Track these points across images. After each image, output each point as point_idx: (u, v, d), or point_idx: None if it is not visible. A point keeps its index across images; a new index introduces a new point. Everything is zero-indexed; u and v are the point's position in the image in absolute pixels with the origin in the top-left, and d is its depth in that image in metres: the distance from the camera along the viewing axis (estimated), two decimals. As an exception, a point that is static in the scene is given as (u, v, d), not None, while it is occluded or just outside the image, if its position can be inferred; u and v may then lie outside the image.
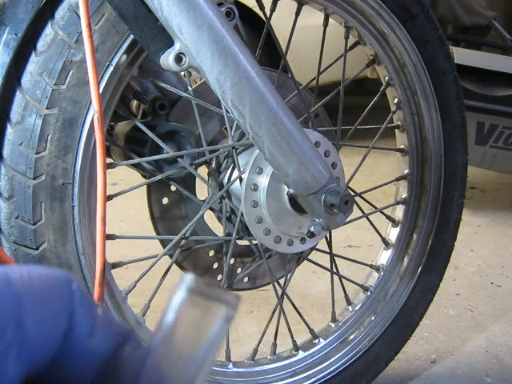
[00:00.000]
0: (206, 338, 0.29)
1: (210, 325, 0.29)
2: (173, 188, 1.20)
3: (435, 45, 1.28)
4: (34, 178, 0.95)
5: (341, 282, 1.34)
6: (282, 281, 1.28)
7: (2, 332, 0.26)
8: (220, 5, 0.93)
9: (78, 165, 0.97)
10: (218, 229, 1.27)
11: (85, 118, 0.96)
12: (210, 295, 0.29)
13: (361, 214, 1.35)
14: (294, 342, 1.31)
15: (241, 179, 1.11)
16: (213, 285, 0.30)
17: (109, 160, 1.12)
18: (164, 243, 1.20)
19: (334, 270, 1.33)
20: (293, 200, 1.09)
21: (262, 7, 1.17)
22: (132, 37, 0.97)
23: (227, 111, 1.09)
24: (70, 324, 0.28)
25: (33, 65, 0.95)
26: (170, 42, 0.91)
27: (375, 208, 1.39)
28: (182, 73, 1.18)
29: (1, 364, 0.26)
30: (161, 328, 0.29)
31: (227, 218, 1.18)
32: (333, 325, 1.36)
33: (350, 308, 1.38)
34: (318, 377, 1.29)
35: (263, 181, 1.09)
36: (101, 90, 0.96)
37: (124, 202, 1.92)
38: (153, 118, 1.14)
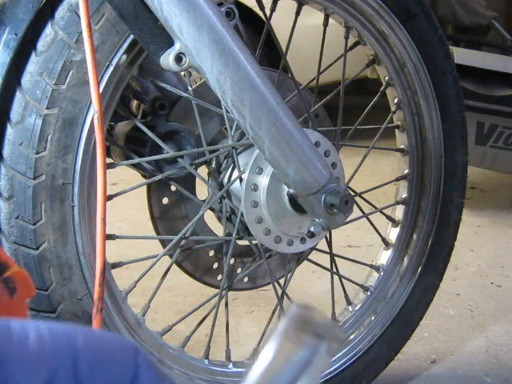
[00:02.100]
0: (305, 371, 0.28)
1: (309, 358, 0.28)
2: (173, 188, 1.20)
3: (435, 45, 1.28)
4: (34, 178, 0.95)
5: (341, 281, 1.34)
6: (282, 281, 1.28)
7: (54, 380, 0.25)
8: (220, 5, 0.93)
9: (78, 165, 0.97)
10: (217, 229, 1.27)
11: (85, 118, 0.96)
12: (313, 327, 0.28)
13: (361, 214, 1.35)
14: (294, 341, 1.31)
15: (241, 179, 1.11)
16: (318, 315, 0.28)
17: (109, 160, 1.12)
18: (164, 243, 1.20)
19: (334, 270, 1.33)
20: (293, 200, 1.09)
21: (261, 7, 1.17)
22: (132, 37, 0.97)
23: (227, 111, 1.09)
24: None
25: (33, 65, 0.95)
26: (170, 42, 0.91)
27: (375, 208, 1.39)
28: (182, 73, 1.18)
29: None
30: (258, 361, 0.28)
31: (227, 218, 1.18)
32: (333, 325, 1.36)
33: (350, 308, 1.38)
34: (318, 377, 1.29)
35: (263, 181, 1.09)
36: (101, 90, 0.96)
37: (124, 202, 1.93)
38: (153, 118, 1.14)
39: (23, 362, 0.25)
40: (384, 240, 1.40)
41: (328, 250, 1.31)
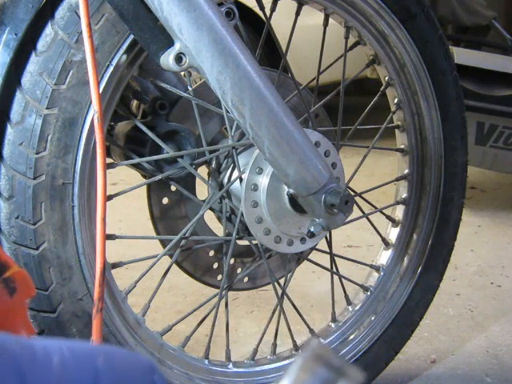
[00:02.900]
0: None
1: None
2: (173, 188, 1.20)
3: (435, 45, 1.28)
4: (34, 178, 0.95)
5: (341, 282, 1.34)
6: (282, 281, 1.28)
7: None
8: (220, 5, 0.93)
9: (78, 165, 0.97)
10: (218, 229, 1.27)
11: (85, 118, 0.96)
12: (330, 362, 0.28)
13: (361, 214, 1.35)
14: (294, 342, 1.31)
15: (241, 179, 1.11)
16: (338, 357, 0.28)
17: (109, 160, 1.12)
18: (164, 243, 1.20)
19: (334, 270, 1.33)
20: (293, 200, 1.09)
21: (262, 7, 1.16)
22: (132, 37, 0.97)
23: (227, 111, 1.09)
24: None
25: (33, 65, 0.95)
26: (170, 42, 0.91)
27: (375, 208, 1.39)
28: (182, 73, 1.18)
29: None
30: None
31: (227, 218, 1.18)
32: (333, 325, 1.36)
33: (350, 308, 1.38)
34: (318, 377, 1.29)
35: (263, 181, 1.09)
36: (101, 90, 0.96)
37: (124, 202, 1.93)
38: (153, 118, 1.14)
39: None
40: (384, 240, 1.40)
41: (328, 250, 1.31)
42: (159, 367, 0.27)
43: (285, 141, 0.97)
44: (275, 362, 1.29)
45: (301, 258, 1.30)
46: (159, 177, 1.12)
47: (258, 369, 1.26)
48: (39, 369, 0.26)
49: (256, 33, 2.99)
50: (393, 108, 1.35)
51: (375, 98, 1.35)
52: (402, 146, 1.38)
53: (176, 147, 1.14)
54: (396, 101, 1.33)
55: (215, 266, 1.27)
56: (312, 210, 1.06)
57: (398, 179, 1.40)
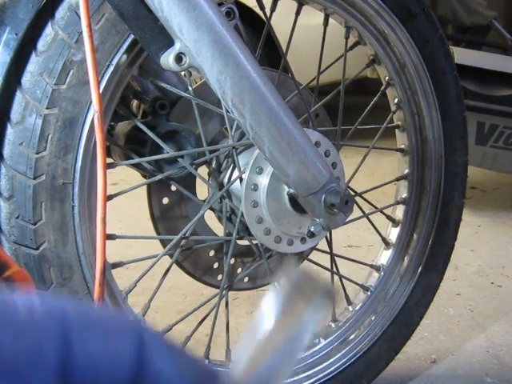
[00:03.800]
0: (295, 328, 0.28)
1: (298, 317, 0.28)
2: (173, 188, 1.20)
3: (435, 45, 1.28)
4: (35, 178, 0.95)
5: (341, 281, 1.34)
6: (282, 281, 1.28)
7: (41, 347, 0.25)
8: (220, 5, 0.93)
9: (78, 165, 0.97)
10: (218, 229, 1.27)
11: (85, 118, 0.96)
12: (306, 287, 0.28)
13: (361, 214, 1.35)
14: (294, 341, 1.31)
15: (241, 179, 1.11)
16: (311, 276, 0.28)
17: (109, 160, 1.12)
18: (164, 243, 1.20)
19: (335, 269, 1.33)
20: (293, 200, 1.09)
21: (262, 7, 1.16)
22: (132, 37, 0.97)
23: (227, 111, 1.09)
24: (141, 360, 0.27)
25: (33, 65, 0.95)
26: (170, 42, 0.91)
27: (375, 208, 1.39)
28: (183, 73, 1.18)
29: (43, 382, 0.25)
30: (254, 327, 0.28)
31: (227, 218, 1.18)
32: (333, 325, 1.36)
33: (350, 308, 1.38)
34: (318, 376, 1.29)
35: (263, 181, 1.09)
36: (101, 90, 0.96)
37: (124, 202, 1.93)
38: (153, 118, 1.14)
39: (11, 330, 0.25)
40: (384, 240, 1.40)
41: (328, 250, 1.31)
42: (146, 323, 0.26)
43: (285, 141, 0.97)
44: (275, 361, 1.28)
45: (301, 257, 1.30)
46: (159, 177, 1.12)
47: (258, 369, 1.26)
48: (2, 315, 0.25)
49: (256, 33, 2.99)
50: (393, 108, 1.35)
51: (375, 98, 1.35)
52: (402, 146, 1.38)
53: (176, 147, 1.14)
54: (396, 101, 1.33)
55: (215, 265, 1.27)
56: (312, 209, 1.06)
57: (398, 179, 1.40)
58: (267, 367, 0.27)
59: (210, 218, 1.26)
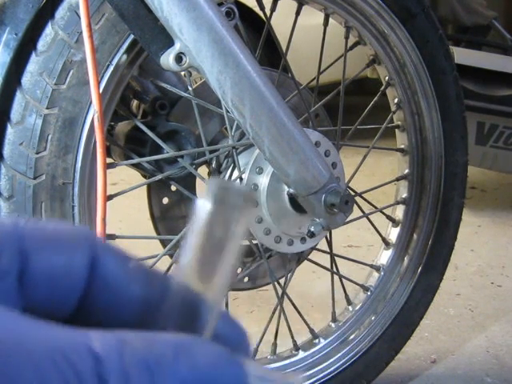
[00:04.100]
0: (227, 244, 0.29)
1: (229, 230, 0.29)
2: (173, 188, 1.20)
3: (435, 45, 1.28)
4: (35, 178, 0.95)
5: (341, 281, 1.34)
6: (282, 281, 1.28)
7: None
8: (220, 5, 0.93)
9: (78, 165, 0.97)
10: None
11: (85, 118, 0.96)
12: (227, 198, 0.29)
13: (361, 214, 1.35)
14: (294, 341, 1.31)
15: (241, 179, 1.11)
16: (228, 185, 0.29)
17: (109, 160, 1.12)
18: (164, 243, 1.20)
19: (335, 269, 1.33)
20: (293, 200, 1.09)
21: (262, 7, 1.16)
22: (132, 37, 0.97)
23: (227, 111, 1.09)
24: (93, 268, 0.27)
25: (33, 65, 0.95)
26: (170, 42, 0.91)
27: (375, 208, 1.39)
28: (183, 73, 1.18)
29: (1, 291, 0.25)
30: (185, 249, 0.29)
31: (227, 218, 1.18)
32: (333, 325, 1.36)
33: (350, 308, 1.38)
34: (318, 377, 1.29)
35: (263, 181, 1.09)
36: (101, 90, 0.96)
37: (124, 202, 1.92)
38: (153, 118, 1.14)
39: None
40: (384, 240, 1.40)
41: (328, 250, 1.31)
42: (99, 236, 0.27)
43: (285, 141, 0.97)
44: (275, 361, 1.29)
45: (301, 257, 1.30)
46: (159, 177, 1.12)
47: (258, 369, 1.26)
48: None
49: (256, 33, 2.99)
50: (393, 108, 1.35)
51: (375, 98, 1.35)
52: (402, 146, 1.38)
53: (176, 147, 1.14)
54: (396, 101, 1.33)
55: (215, 265, 1.27)
56: (312, 209, 1.06)
57: (398, 179, 1.40)
58: (217, 275, 0.29)
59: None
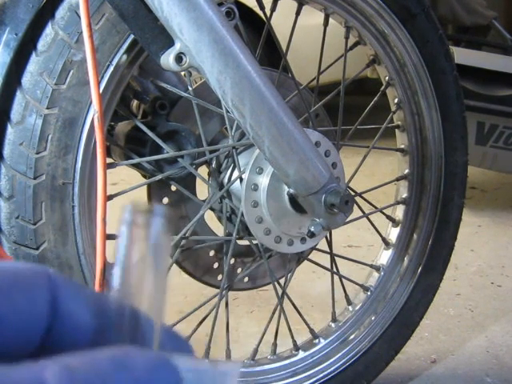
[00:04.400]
0: (150, 261, 0.30)
1: (149, 248, 0.30)
2: (173, 188, 1.20)
3: (435, 45, 1.28)
4: (35, 178, 0.95)
5: (341, 281, 1.34)
6: (282, 281, 1.28)
7: None
8: (220, 5, 0.93)
9: (78, 165, 0.97)
10: (218, 229, 1.27)
11: (85, 118, 0.96)
12: (143, 219, 0.30)
13: (361, 214, 1.35)
14: (294, 341, 1.31)
15: (241, 179, 1.11)
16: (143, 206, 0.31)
17: (109, 160, 1.12)
18: (164, 243, 1.20)
19: (335, 269, 1.33)
20: (293, 200, 1.09)
21: (262, 7, 1.16)
22: (132, 37, 0.97)
23: (227, 111, 1.09)
24: (54, 304, 0.28)
25: (33, 65, 0.95)
26: (170, 42, 0.91)
27: (375, 208, 1.39)
28: (183, 73, 1.18)
29: None
30: (116, 271, 0.30)
31: (227, 218, 1.18)
32: (333, 325, 1.36)
33: (350, 308, 1.38)
34: (318, 377, 1.29)
35: (263, 181, 1.09)
36: (101, 90, 0.96)
37: (124, 202, 1.92)
38: (153, 118, 1.14)
39: None
40: (384, 240, 1.40)
41: (328, 250, 1.31)
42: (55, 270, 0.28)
43: (285, 141, 0.97)
44: (275, 361, 1.29)
45: (301, 257, 1.30)
46: (159, 177, 1.12)
47: (258, 369, 1.26)
48: None
49: (256, 33, 2.99)
50: (393, 108, 1.35)
51: (375, 98, 1.35)
52: (402, 146, 1.38)
53: (176, 147, 1.14)
54: (396, 101, 1.33)
55: (215, 265, 1.27)
56: (312, 209, 1.06)
57: (398, 179, 1.40)
58: (149, 291, 0.30)
59: (210, 218, 1.26)
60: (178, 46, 0.90)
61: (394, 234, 1.40)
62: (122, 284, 0.30)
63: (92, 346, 0.29)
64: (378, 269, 1.39)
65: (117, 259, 0.30)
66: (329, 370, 1.30)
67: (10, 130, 0.95)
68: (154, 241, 0.30)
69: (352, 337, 1.35)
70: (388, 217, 1.40)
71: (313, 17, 1.51)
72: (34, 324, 0.28)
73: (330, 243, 1.30)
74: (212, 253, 1.26)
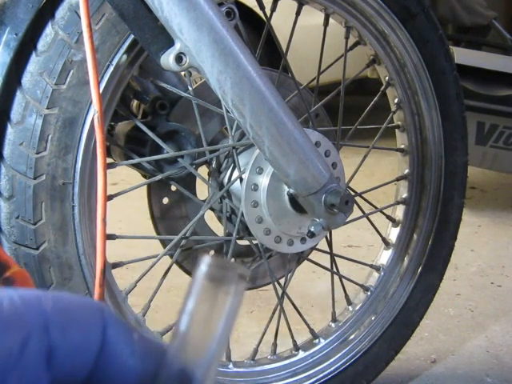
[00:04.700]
0: (219, 321, 0.30)
1: (222, 307, 0.30)
2: (173, 188, 1.20)
3: (435, 45, 1.28)
4: (35, 178, 0.95)
5: (341, 281, 1.34)
6: (282, 281, 1.28)
7: (27, 341, 0.27)
8: (220, 5, 0.93)
9: (78, 165, 0.97)
10: (218, 229, 1.27)
11: (85, 118, 0.96)
12: (220, 276, 0.30)
13: (361, 214, 1.35)
14: (294, 341, 1.31)
15: (241, 179, 1.11)
16: (225, 263, 0.31)
17: (109, 160, 1.12)
18: (164, 243, 1.20)
19: (335, 269, 1.33)
20: (293, 200, 1.09)
21: (262, 7, 1.16)
22: (132, 37, 0.97)
23: (227, 111, 1.09)
24: (104, 342, 0.29)
25: (33, 65, 0.95)
26: (170, 42, 0.91)
27: (375, 208, 1.39)
28: (183, 73, 1.18)
29: (33, 371, 0.27)
30: (179, 323, 0.30)
31: (227, 218, 1.18)
32: (333, 325, 1.36)
33: (350, 308, 1.38)
34: (318, 377, 1.29)
35: (263, 181, 1.09)
36: (101, 90, 0.96)
37: (124, 202, 1.92)
38: (153, 118, 1.14)
39: None
40: (384, 240, 1.40)
41: (328, 250, 1.31)
42: (109, 308, 0.30)
43: (285, 141, 0.97)
44: (275, 361, 1.29)
45: (301, 257, 1.30)
46: (159, 177, 1.12)
47: (258, 369, 1.26)
48: None
49: (256, 33, 2.99)
50: (393, 108, 1.35)
51: (375, 98, 1.35)
52: (403, 146, 1.38)
53: (176, 147, 1.14)
54: (396, 101, 1.33)
55: (215, 265, 1.27)
56: (312, 209, 1.06)
57: (398, 179, 1.40)
58: (208, 350, 0.30)
59: (210, 218, 1.26)
60: (177, 46, 0.90)
61: (393, 234, 1.40)
62: (184, 337, 0.30)
63: None
64: (377, 269, 1.39)
65: (185, 309, 0.31)
66: (329, 370, 1.30)
67: (9, 129, 0.95)
68: (229, 303, 0.30)
69: (352, 337, 1.35)
70: (388, 217, 1.40)
71: (313, 17, 1.51)
72: (83, 362, 0.29)
73: (330, 243, 1.30)
74: (212, 253, 1.26)
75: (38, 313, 0.28)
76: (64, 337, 0.28)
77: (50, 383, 0.28)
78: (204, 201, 1.18)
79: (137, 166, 1.15)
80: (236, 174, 1.15)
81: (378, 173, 3.08)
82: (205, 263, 0.31)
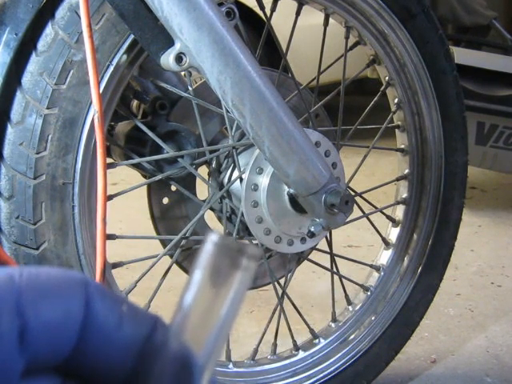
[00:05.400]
0: (226, 298, 0.29)
1: (230, 283, 0.29)
2: (173, 188, 1.20)
3: (435, 45, 1.28)
4: (35, 178, 0.95)
5: (341, 281, 1.34)
6: (282, 281, 1.28)
7: None
8: (220, 5, 0.93)
9: (78, 165, 0.97)
10: (218, 229, 1.27)
11: (85, 118, 0.96)
12: (231, 250, 0.29)
13: (361, 214, 1.35)
14: (294, 341, 1.31)
15: (241, 179, 1.11)
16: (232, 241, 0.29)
17: (109, 160, 1.12)
18: (164, 243, 1.20)
19: (335, 269, 1.33)
20: (293, 200, 1.09)
21: (262, 7, 1.17)
22: (132, 37, 0.97)
23: (227, 111, 1.09)
24: (87, 317, 0.28)
25: (33, 65, 0.95)
26: (170, 42, 0.91)
27: (375, 208, 1.39)
28: (183, 73, 1.18)
29: (4, 354, 0.26)
30: (182, 299, 0.29)
31: (227, 218, 1.18)
32: (333, 325, 1.36)
33: (350, 308, 1.38)
34: (318, 377, 1.29)
35: (263, 181, 1.09)
36: (101, 90, 0.96)
37: (124, 202, 1.92)
38: (153, 118, 1.14)
39: None
40: (384, 240, 1.40)
41: (328, 250, 1.31)
42: (94, 281, 0.28)
43: (285, 141, 0.97)
44: (275, 361, 1.29)
45: (301, 257, 1.30)
46: (159, 177, 1.12)
47: (258, 369, 1.26)
48: None
49: (256, 33, 2.99)
50: (393, 108, 1.35)
51: (375, 98, 1.35)
52: (403, 146, 1.38)
53: (176, 147, 1.14)
54: (396, 101, 1.33)
55: (215, 265, 1.27)
56: (312, 209, 1.06)
57: (398, 179, 1.40)
58: (212, 330, 0.29)
59: (210, 218, 1.26)
60: (177, 46, 0.90)
61: (394, 234, 1.40)
62: (187, 312, 0.28)
63: (134, 367, 0.28)
64: (378, 269, 1.39)
65: (190, 284, 0.29)
66: (329, 370, 1.30)
67: (9, 129, 0.95)
68: (235, 291, 0.28)
69: (352, 337, 1.35)
70: (388, 217, 1.40)
71: (313, 17, 1.51)
72: (63, 339, 0.27)
73: (330, 243, 1.30)
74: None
75: (8, 291, 0.26)
76: (38, 315, 0.27)
77: (26, 365, 0.26)
78: (204, 201, 1.18)
79: (137, 166, 1.15)
80: (236, 174, 1.15)
81: (378, 173, 3.08)
82: (214, 237, 0.29)
